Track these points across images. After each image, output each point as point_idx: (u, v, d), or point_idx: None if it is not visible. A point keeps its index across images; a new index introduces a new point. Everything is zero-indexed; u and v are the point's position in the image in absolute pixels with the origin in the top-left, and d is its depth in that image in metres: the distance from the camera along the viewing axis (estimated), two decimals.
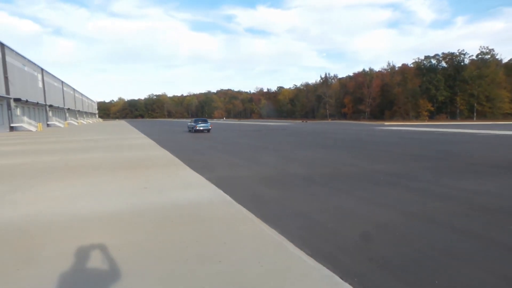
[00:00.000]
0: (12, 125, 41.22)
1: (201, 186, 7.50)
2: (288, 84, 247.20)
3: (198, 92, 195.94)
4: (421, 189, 7.35)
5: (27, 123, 43.18)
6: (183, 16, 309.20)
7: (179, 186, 7.52)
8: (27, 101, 45.80)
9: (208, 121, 34.39)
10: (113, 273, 3.41)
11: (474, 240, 4.48)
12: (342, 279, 3.31)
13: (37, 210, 5.70)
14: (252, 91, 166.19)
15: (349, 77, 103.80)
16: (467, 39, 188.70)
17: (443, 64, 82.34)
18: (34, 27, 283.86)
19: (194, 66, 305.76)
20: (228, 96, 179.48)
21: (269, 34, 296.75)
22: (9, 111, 41.38)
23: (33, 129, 41.97)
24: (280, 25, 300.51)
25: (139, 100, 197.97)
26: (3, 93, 39.41)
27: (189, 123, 35.74)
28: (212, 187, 7.41)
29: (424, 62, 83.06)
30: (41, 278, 3.33)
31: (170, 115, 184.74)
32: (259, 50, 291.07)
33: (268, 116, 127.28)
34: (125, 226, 4.85)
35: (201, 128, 32.20)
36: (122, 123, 77.69)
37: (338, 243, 4.39)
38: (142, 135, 28.85)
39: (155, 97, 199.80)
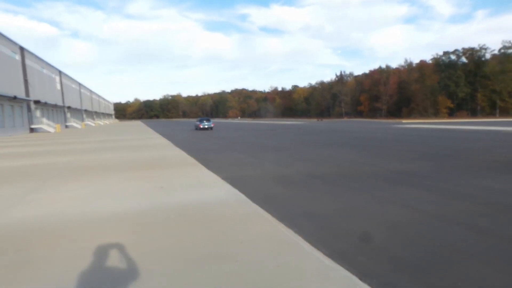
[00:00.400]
0: (32, 126, 42.40)
1: (216, 186, 7.47)
2: (302, 83, 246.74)
3: (212, 92, 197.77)
4: (438, 188, 7.12)
5: (46, 125, 44.29)
6: (197, 16, 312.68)
7: (195, 186, 7.51)
8: (46, 103, 47.04)
9: (211, 120, 40.30)
10: (129, 271, 3.41)
11: (494, 240, 4.28)
12: (361, 280, 3.20)
13: (55, 210, 5.78)
14: (267, 90, 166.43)
15: (365, 74, 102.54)
16: (489, 33, 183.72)
17: (463, 59, 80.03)
18: (52, 30, 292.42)
19: (208, 66, 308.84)
20: (242, 95, 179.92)
21: (283, 33, 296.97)
22: (29, 113, 42.57)
23: (51, 130, 43.01)
24: (294, 23, 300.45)
25: (154, 100, 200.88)
26: (23, 96, 40.57)
27: (195, 122, 41.13)
28: (228, 186, 7.37)
29: (443, 58, 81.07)
30: (61, 276, 3.35)
31: (185, 115, 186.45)
32: (273, 49, 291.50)
33: (283, 115, 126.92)
34: (141, 225, 4.85)
35: (205, 126, 37.58)
36: (138, 124, 78.95)
37: (354, 243, 4.28)
38: (158, 135, 29.18)
39: (170, 97, 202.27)
